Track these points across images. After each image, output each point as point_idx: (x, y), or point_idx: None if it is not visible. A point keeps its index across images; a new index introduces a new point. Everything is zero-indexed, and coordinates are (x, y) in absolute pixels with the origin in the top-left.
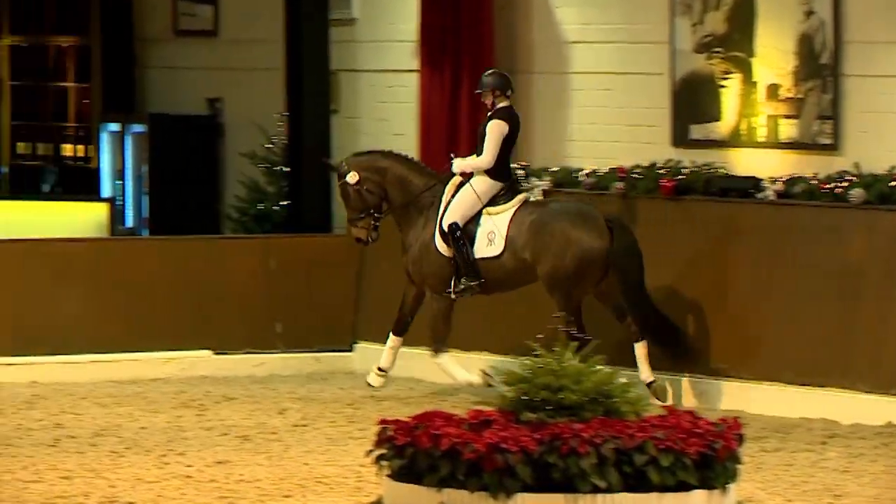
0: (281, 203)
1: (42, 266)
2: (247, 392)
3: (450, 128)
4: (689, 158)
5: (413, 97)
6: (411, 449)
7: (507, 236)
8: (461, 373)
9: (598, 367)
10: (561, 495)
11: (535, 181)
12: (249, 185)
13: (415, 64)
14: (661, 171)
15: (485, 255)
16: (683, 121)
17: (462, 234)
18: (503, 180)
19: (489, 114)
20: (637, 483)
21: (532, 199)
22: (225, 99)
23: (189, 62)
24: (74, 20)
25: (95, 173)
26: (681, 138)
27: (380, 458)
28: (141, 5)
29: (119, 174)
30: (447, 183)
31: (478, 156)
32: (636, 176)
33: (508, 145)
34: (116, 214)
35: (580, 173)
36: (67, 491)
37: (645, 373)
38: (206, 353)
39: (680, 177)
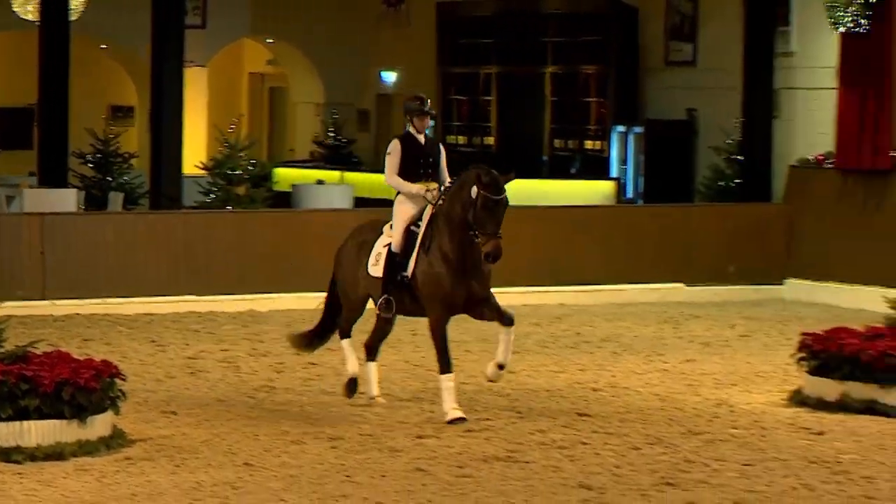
0: (736, 181)
1: (563, 225)
2: (707, 313)
3: (859, 130)
4: None
5: (832, 107)
6: (824, 353)
7: None
8: None
9: None
10: None
11: None
12: (714, 170)
13: (835, 83)
14: None
15: None
16: None
17: None
18: None
19: None
20: None
21: None
22: (699, 110)
23: (675, 83)
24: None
25: (606, 161)
26: None
27: (801, 359)
28: (645, 43)
29: (623, 161)
30: None
31: None
32: None
33: None
34: (621, 189)
35: None
36: (582, 379)
37: None
38: (680, 285)
39: None
